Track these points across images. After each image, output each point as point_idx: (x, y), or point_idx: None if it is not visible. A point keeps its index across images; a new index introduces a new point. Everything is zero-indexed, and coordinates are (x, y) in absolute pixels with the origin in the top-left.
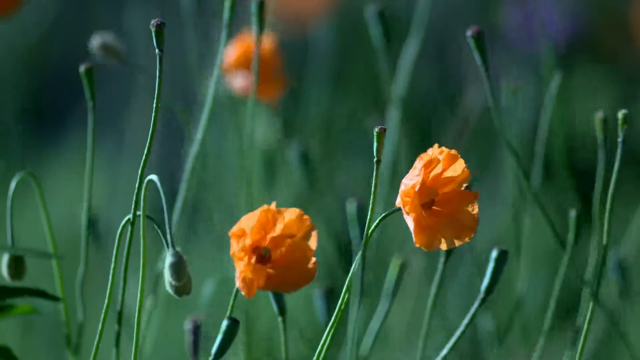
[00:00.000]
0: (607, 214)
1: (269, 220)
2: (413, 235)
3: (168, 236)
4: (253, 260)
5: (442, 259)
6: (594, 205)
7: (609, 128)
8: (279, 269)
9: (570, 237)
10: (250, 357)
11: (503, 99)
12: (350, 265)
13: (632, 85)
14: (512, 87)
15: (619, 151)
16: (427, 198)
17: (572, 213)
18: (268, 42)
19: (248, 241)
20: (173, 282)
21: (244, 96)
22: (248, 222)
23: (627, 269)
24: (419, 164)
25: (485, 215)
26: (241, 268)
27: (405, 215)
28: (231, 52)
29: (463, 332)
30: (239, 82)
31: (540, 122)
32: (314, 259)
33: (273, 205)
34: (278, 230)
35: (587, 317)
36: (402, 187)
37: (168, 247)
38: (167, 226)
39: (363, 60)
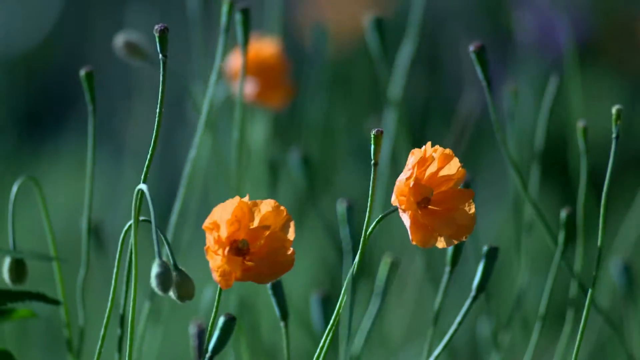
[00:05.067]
0: (602, 211)
1: (244, 213)
2: (409, 232)
3: (156, 246)
4: (226, 252)
5: (447, 268)
6: (578, 206)
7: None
8: (256, 260)
9: (561, 236)
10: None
11: (505, 102)
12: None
13: (637, 90)
14: (513, 91)
15: (613, 146)
16: (422, 195)
17: (563, 213)
18: (273, 48)
19: (224, 234)
20: (159, 292)
21: (250, 102)
22: (222, 215)
23: (632, 275)
24: (411, 160)
25: (487, 216)
26: (217, 261)
27: (401, 213)
28: (236, 59)
29: (456, 330)
30: (244, 88)
31: (545, 126)
32: (291, 249)
33: (246, 198)
34: (256, 222)
35: (584, 317)
36: (396, 185)
37: (156, 256)
38: (154, 237)
39: (362, 63)
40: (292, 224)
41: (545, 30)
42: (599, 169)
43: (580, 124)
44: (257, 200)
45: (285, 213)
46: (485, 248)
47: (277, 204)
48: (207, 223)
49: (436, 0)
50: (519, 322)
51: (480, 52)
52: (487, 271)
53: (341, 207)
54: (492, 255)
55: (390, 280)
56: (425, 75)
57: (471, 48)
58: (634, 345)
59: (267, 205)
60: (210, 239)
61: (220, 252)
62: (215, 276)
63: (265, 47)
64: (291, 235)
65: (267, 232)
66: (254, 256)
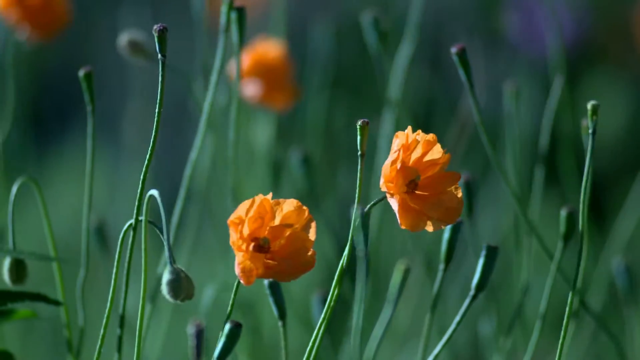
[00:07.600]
0: (582, 205)
1: (267, 210)
2: (398, 217)
3: (167, 252)
4: (251, 248)
5: (442, 265)
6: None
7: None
8: (278, 258)
9: (561, 236)
10: None
11: (504, 103)
12: (352, 270)
13: (637, 89)
14: (513, 91)
15: (590, 142)
16: (409, 178)
17: (563, 212)
18: (278, 50)
19: (246, 230)
20: (170, 299)
21: (254, 104)
22: (245, 211)
23: (633, 276)
24: (396, 144)
25: (488, 215)
26: (240, 257)
27: (389, 198)
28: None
29: (455, 329)
30: (249, 90)
31: (542, 125)
32: (312, 250)
33: (269, 196)
34: (277, 220)
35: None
36: (383, 169)
37: (168, 263)
38: (166, 242)
39: (363, 64)
40: (313, 224)
41: (539, 30)
42: (597, 170)
43: (584, 123)
44: (280, 199)
45: (307, 213)
46: (484, 247)
47: (299, 203)
48: (232, 218)
49: (437, 1)
50: (521, 324)
51: (462, 54)
52: (486, 271)
53: (356, 213)
54: (491, 255)
55: (403, 287)
56: (426, 75)
57: (453, 50)
58: (634, 347)
59: (289, 205)
60: (234, 235)
61: (244, 247)
62: (238, 271)
63: (269, 49)
64: (312, 235)
65: (289, 231)
66: (275, 254)
